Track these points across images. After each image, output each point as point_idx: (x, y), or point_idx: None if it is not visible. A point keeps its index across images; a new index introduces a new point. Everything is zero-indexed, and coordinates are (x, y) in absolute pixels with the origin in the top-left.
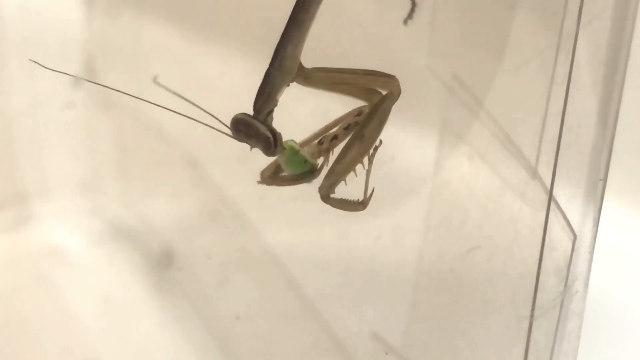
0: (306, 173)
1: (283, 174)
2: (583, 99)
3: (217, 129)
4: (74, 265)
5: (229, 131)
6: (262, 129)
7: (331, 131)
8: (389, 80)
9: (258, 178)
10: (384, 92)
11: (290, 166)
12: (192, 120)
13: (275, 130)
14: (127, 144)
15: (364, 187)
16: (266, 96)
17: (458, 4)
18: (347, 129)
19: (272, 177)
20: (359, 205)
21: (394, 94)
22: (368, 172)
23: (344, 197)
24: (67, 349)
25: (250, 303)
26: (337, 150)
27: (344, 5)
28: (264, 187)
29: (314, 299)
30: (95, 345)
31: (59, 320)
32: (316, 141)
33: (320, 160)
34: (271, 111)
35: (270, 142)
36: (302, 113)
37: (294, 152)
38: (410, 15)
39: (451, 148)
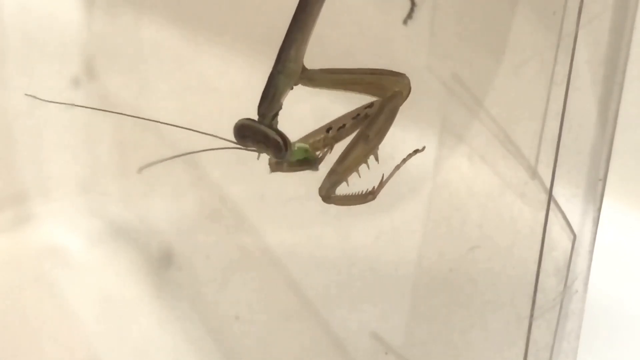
0: (309, 160)
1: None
2: (583, 99)
3: (219, 137)
4: (74, 265)
5: (233, 142)
6: (271, 133)
7: (341, 121)
8: (398, 79)
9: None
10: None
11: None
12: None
13: (284, 134)
14: (127, 144)
15: (379, 179)
16: (270, 99)
17: (458, 4)
18: (355, 118)
19: (278, 163)
20: (367, 196)
21: (403, 93)
22: (397, 167)
23: (348, 193)
24: (67, 349)
25: (250, 303)
26: (341, 148)
27: (345, 5)
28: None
29: (314, 299)
30: (95, 345)
31: (59, 320)
32: (325, 129)
33: (325, 151)
34: (276, 114)
35: (280, 146)
36: (301, 113)
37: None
38: (410, 15)
39: (451, 148)
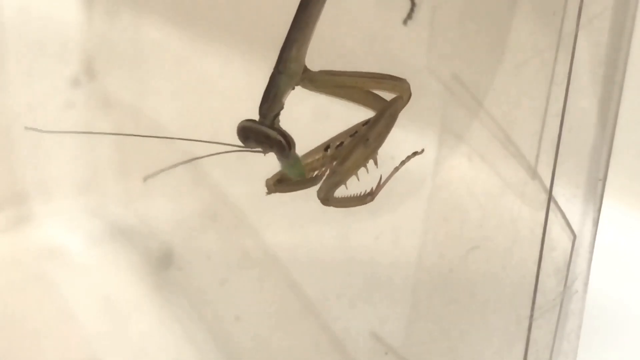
0: (307, 178)
1: (287, 180)
2: (583, 99)
3: (224, 143)
4: (74, 265)
5: (238, 142)
6: (273, 133)
7: (338, 139)
8: (398, 83)
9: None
10: (393, 95)
11: (294, 170)
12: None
13: (286, 133)
14: (127, 144)
15: (377, 180)
16: (272, 100)
17: (458, 4)
18: (353, 135)
19: (276, 184)
20: (366, 197)
21: (403, 97)
22: (396, 169)
23: (346, 195)
24: (67, 349)
25: (250, 303)
26: None
27: (344, 5)
28: (264, 187)
29: (314, 299)
30: (95, 345)
31: (59, 320)
32: (322, 148)
33: (323, 170)
34: (278, 114)
35: (283, 145)
36: (302, 114)
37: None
38: (410, 15)
39: (451, 148)
